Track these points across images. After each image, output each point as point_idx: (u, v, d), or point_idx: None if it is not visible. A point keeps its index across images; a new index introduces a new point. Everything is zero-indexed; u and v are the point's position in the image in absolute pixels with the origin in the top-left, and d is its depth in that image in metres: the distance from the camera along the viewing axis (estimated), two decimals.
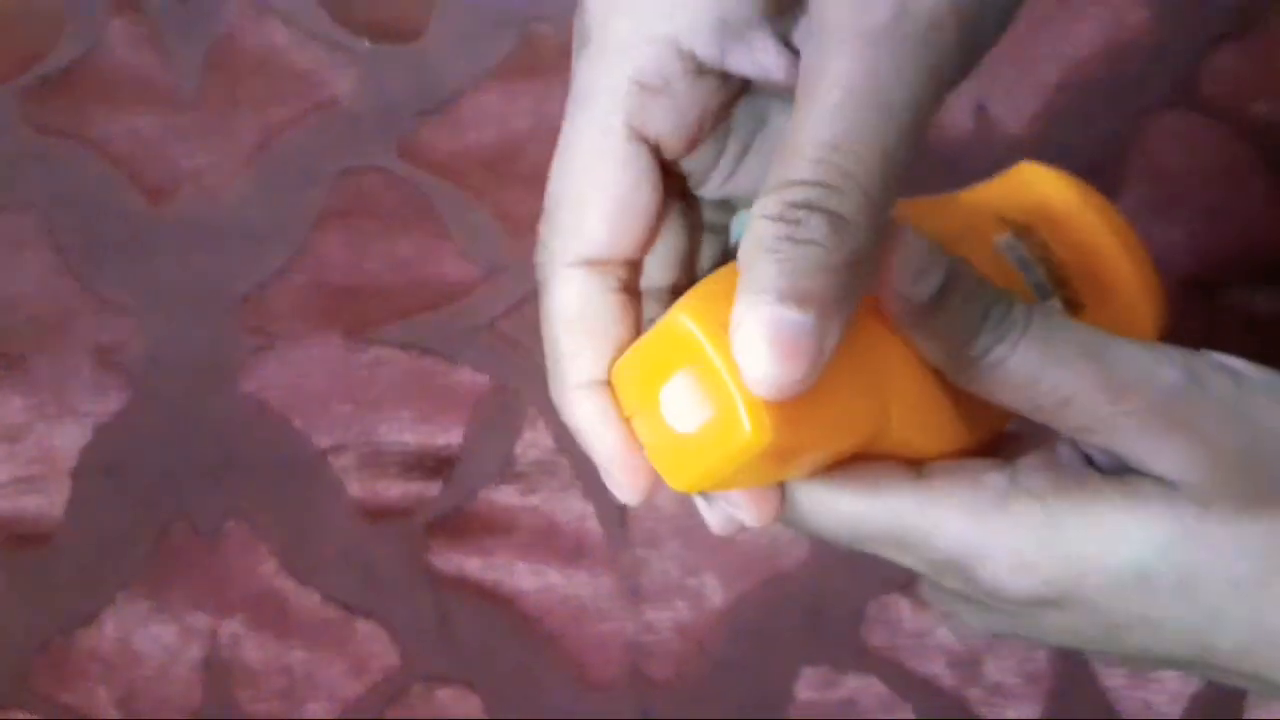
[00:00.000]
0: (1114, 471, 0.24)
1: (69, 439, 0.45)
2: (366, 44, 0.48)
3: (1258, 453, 0.23)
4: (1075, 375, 0.23)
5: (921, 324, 0.23)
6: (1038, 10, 0.49)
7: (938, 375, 0.24)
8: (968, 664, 0.42)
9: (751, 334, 0.20)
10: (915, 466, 0.24)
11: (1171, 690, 0.41)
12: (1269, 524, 0.23)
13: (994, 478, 0.24)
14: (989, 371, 0.23)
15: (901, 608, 0.42)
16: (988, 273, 0.23)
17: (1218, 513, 0.23)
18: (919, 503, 0.23)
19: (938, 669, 0.42)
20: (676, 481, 0.23)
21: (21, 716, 0.43)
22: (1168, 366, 0.23)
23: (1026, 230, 0.26)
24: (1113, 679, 0.41)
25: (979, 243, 0.25)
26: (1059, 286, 0.26)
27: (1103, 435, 0.23)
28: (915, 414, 0.24)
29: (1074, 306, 0.25)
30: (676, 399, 0.22)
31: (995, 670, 0.42)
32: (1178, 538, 0.22)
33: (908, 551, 0.24)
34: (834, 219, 0.20)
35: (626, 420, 0.23)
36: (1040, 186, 0.27)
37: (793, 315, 0.20)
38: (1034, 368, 0.23)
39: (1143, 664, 0.26)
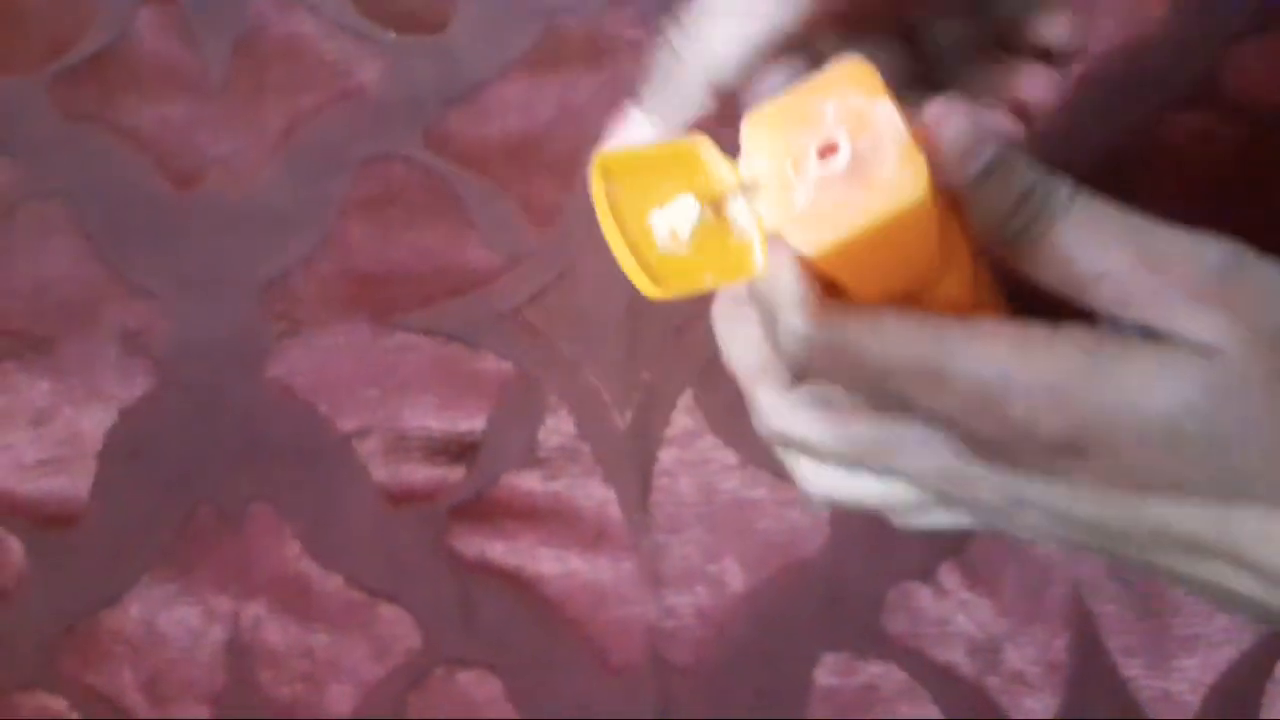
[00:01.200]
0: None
1: (95, 422, 0.45)
2: (393, 34, 0.48)
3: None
4: (1115, 253, 0.23)
5: (968, 196, 0.24)
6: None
7: (990, 263, 0.25)
8: (987, 652, 0.42)
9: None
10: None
11: (1191, 678, 0.41)
12: None
13: (1038, 326, 0.24)
14: (1029, 247, 0.24)
15: (922, 595, 0.42)
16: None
17: (1256, 381, 0.23)
18: (966, 331, 0.24)
19: (957, 657, 0.42)
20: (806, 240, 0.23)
21: (47, 698, 0.43)
22: (1210, 246, 0.24)
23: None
24: (1131, 668, 0.42)
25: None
26: None
27: (1140, 308, 0.24)
28: (965, 287, 0.25)
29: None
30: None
31: (1014, 658, 0.42)
32: (1212, 396, 0.23)
33: (945, 383, 0.24)
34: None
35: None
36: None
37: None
38: (1072, 246, 0.24)
39: (1160, 550, 0.25)
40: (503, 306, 0.45)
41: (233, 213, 0.47)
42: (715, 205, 0.24)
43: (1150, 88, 0.48)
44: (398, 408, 0.45)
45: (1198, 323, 0.23)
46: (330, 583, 0.44)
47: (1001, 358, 0.24)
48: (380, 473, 0.44)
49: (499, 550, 0.44)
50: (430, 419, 0.45)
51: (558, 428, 0.44)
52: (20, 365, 0.46)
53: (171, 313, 0.46)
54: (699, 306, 0.39)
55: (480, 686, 0.43)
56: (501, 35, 0.48)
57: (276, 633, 0.43)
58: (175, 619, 0.44)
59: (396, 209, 0.47)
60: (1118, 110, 0.48)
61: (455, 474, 0.44)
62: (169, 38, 0.49)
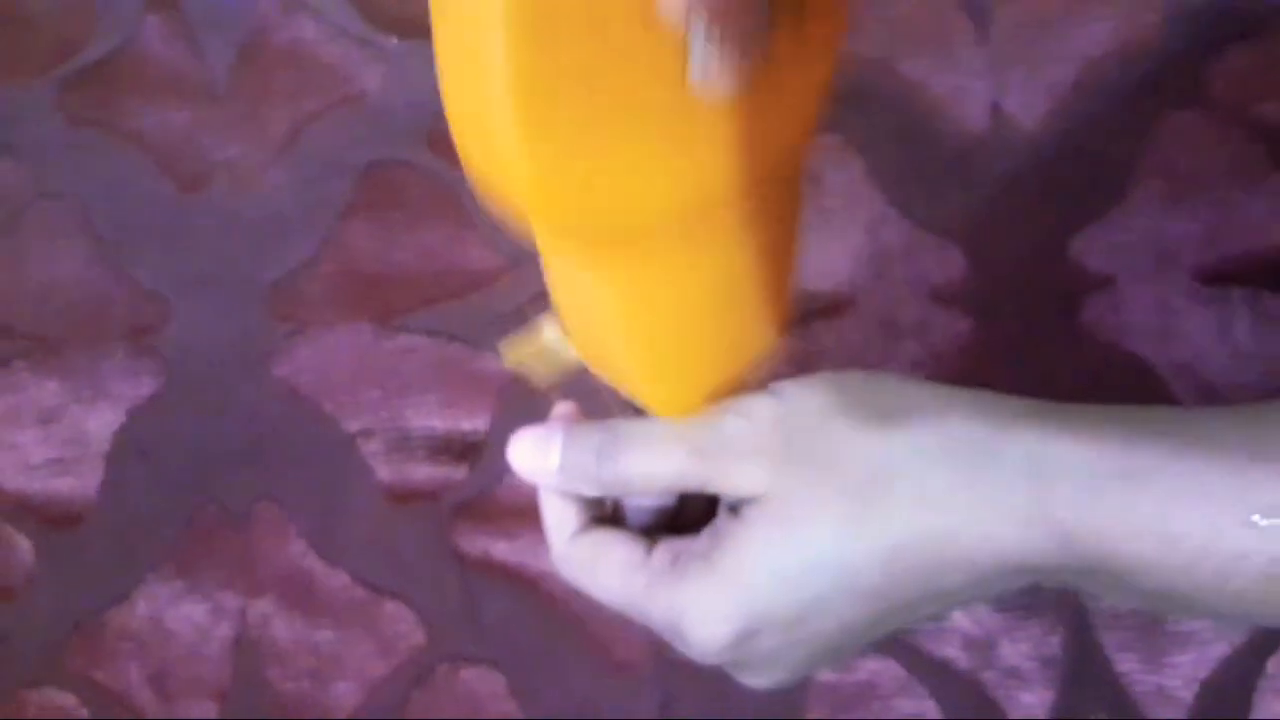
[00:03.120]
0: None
1: (103, 422, 0.46)
2: (395, 40, 0.49)
3: (803, 447, 0.27)
4: (674, 456, 0.28)
5: (559, 488, 0.29)
6: (1052, 10, 0.50)
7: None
8: (983, 647, 0.42)
9: None
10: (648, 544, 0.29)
11: (1184, 675, 0.42)
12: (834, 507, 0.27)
13: (665, 552, 0.29)
14: (615, 482, 0.28)
15: None
16: None
17: (798, 506, 0.27)
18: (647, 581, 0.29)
19: (953, 652, 0.42)
20: None
21: (56, 694, 0.44)
22: (746, 417, 0.28)
23: None
24: (1125, 663, 0.42)
25: None
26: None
27: (709, 485, 0.28)
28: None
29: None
30: None
31: (1010, 654, 0.42)
32: (780, 539, 0.27)
33: (659, 625, 0.29)
34: None
35: None
36: None
37: None
38: (643, 466, 0.28)
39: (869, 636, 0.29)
40: (505, 306, 0.46)
41: (237, 215, 0.48)
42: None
43: (1142, 91, 0.49)
44: (401, 408, 0.45)
45: (733, 480, 0.27)
46: (335, 580, 0.44)
47: (664, 604, 0.28)
48: (384, 471, 0.45)
49: (502, 548, 0.44)
50: (434, 419, 0.45)
51: None
52: (28, 365, 0.47)
53: (178, 314, 0.47)
54: None
55: (483, 683, 0.43)
56: None
57: (283, 629, 0.44)
58: (182, 616, 0.44)
59: (398, 212, 0.47)
60: (1112, 112, 0.49)
61: (458, 473, 0.45)
62: (174, 44, 0.49)
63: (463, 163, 0.23)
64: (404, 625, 0.44)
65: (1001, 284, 0.46)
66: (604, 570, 0.30)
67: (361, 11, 0.49)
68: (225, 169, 0.48)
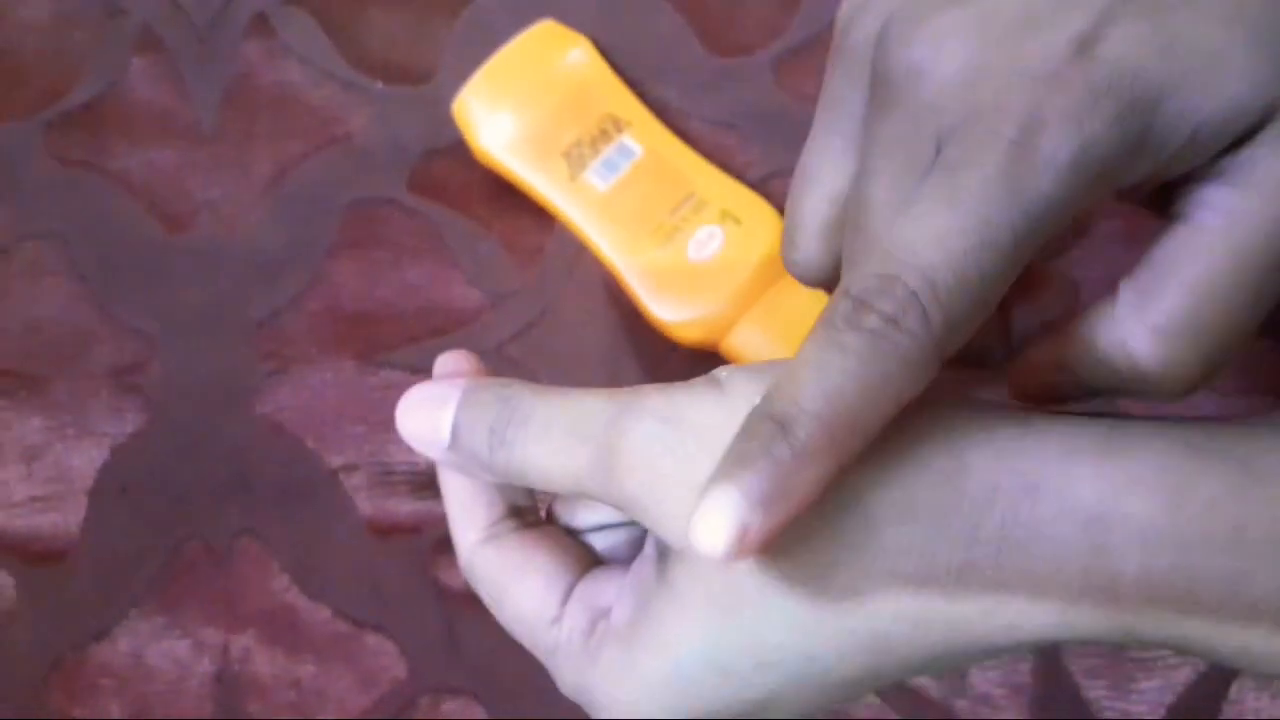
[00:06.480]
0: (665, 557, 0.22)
1: (86, 459, 0.46)
2: (380, 84, 0.50)
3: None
4: (579, 453, 0.21)
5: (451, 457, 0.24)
6: None
7: None
8: (955, 676, 0.43)
9: (715, 520, 0.18)
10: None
11: (1151, 700, 0.43)
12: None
13: (582, 611, 0.24)
14: (509, 474, 0.23)
15: None
16: None
17: (745, 577, 0.20)
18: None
19: (926, 680, 0.43)
20: None
21: None
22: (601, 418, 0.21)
23: None
24: (1094, 690, 0.43)
25: None
26: None
27: (621, 509, 0.22)
28: None
29: None
30: None
31: (981, 681, 0.43)
32: (719, 624, 0.21)
33: (568, 693, 0.25)
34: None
35: None
36: None
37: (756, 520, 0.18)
38: (539, 462, 0.22)
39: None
40: (486, 343, 0.47)
41: (222, 255, 0.48)
42: None
43: None
44: (383, 443, 0.46)
45: (664, 519, 0.21)
46: (318, 614, 0.45)
47: (572, 681, 0.24)
48: (366, 506, 0.46)
49: None
50: (415, 454, 0.46)
51: None
52: (12, 403, 0.47)
53: (162, 352, 0.47)
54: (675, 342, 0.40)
55: (465, 714, 0.44)
56: None
57: (265, 664, 0.44)
58: (163, 652, 0.45)
59: (382, 250, 0.48)
60: None
61: (440, 507, 0.45)
62: (160, 86, 0.50)
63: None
64: (386, 658, 0.44)
65: None
66: (509, 605, 0.24)
67: (347, 56, 0.50)
68: (211, 209, 0.49)
